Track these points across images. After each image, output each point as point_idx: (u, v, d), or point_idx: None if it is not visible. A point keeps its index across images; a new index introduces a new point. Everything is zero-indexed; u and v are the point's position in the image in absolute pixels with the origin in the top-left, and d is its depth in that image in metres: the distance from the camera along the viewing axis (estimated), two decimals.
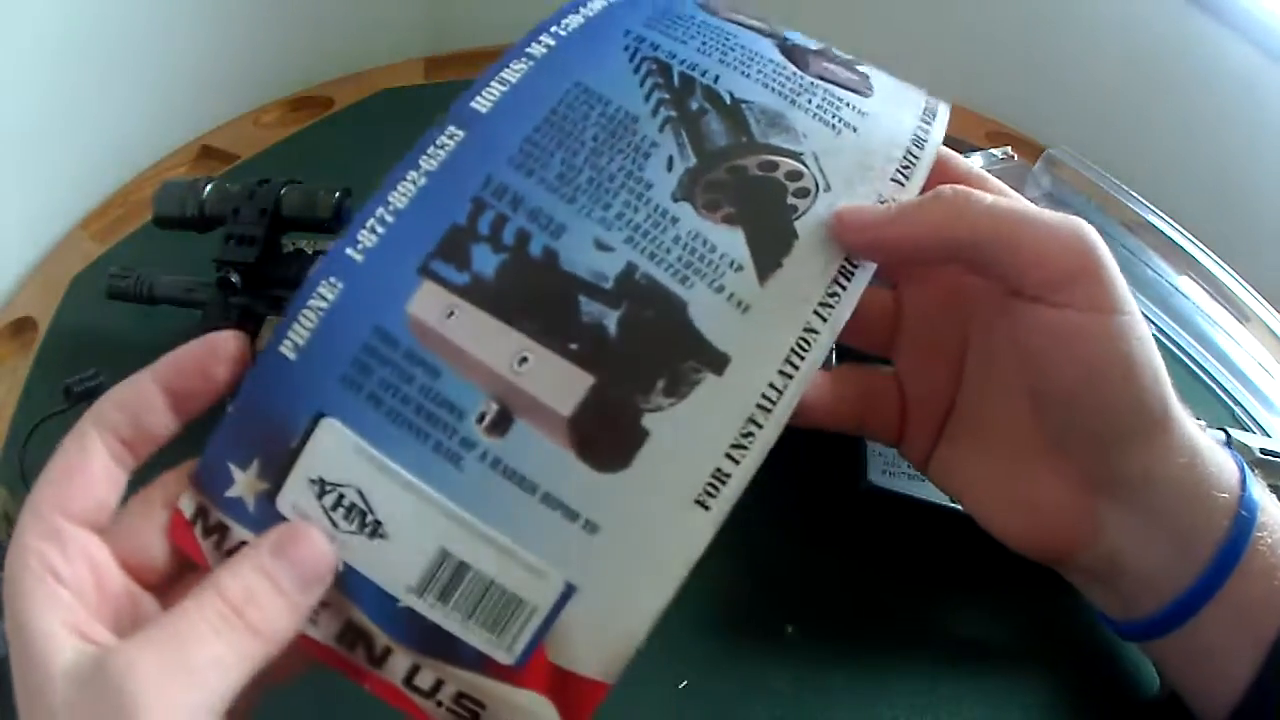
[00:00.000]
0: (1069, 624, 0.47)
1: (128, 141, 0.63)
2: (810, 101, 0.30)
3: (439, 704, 0.25)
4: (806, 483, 0.49)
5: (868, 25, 0.68)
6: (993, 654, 0.45)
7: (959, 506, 0.45)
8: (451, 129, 0.27)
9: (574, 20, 0.30)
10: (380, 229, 0.26)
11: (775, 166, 0.28)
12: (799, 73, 0.31)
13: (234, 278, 0.47)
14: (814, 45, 0.33)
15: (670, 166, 0.28)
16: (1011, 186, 0.30)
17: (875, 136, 0.30)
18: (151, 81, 0.62)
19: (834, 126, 0.30)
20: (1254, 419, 0.57)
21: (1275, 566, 0.28)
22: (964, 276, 0.30)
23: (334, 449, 0.24)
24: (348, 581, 0.24)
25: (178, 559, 0.25)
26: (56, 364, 0.51)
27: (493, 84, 0.28)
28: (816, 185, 0.28)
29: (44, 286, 0.56)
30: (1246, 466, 0.30)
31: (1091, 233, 0.27)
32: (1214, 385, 0.59)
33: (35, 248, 0.58)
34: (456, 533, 0.24)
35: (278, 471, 0.24)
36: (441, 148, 0.27)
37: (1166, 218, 0.60)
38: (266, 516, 0.25)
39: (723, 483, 0.25)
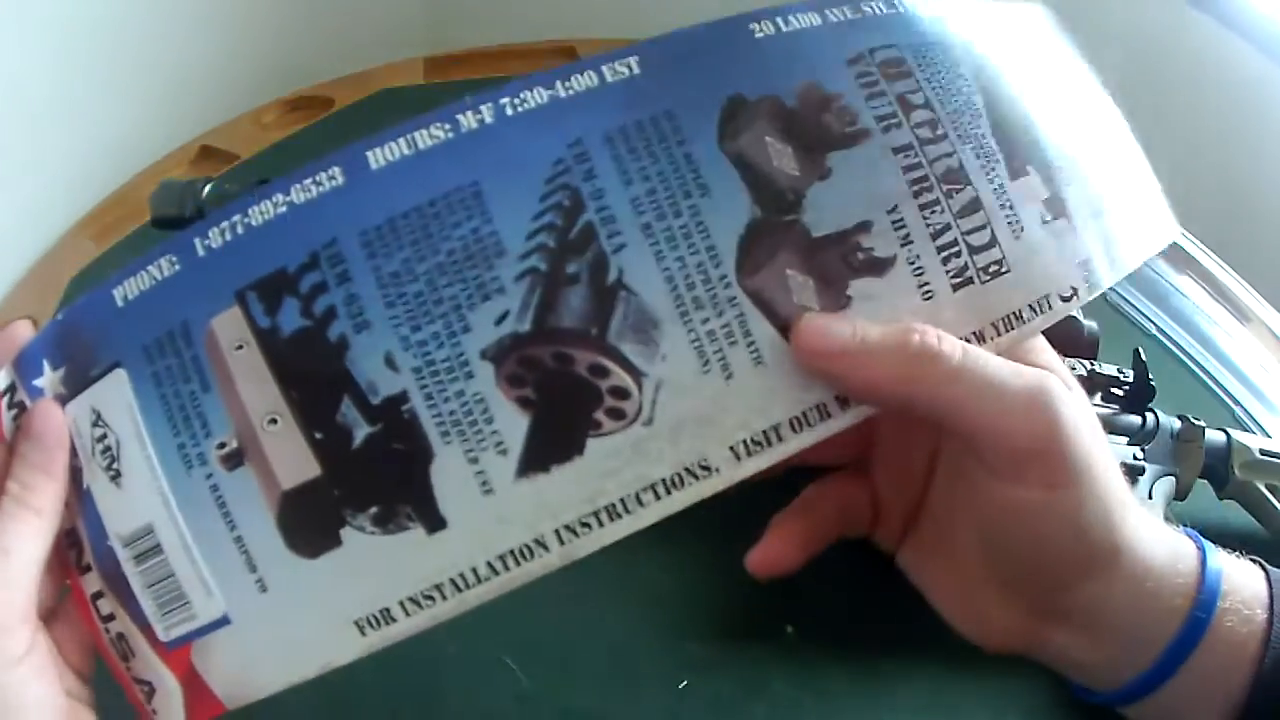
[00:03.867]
0: None
1: (127, 141, 0.63)
2: (705, 322, 0.26)
3: (107, 631, 0.28)
4: (806, 483, 0.49)
5: None
6: (994, 656, 0.45)
7: None
8: (335, 170, 0.26)
9: (533, 98, 0.26)
10: (229, 235, 0.26)
11: (605, 374, 0.26)
12: (728, 277, 0.26)
13: None
14: (845, 223, 0.27)
15: (500, 321, 0.26)
16: None
17: (752, 395, 0.27)
18: (151, 81, 0.62)
19: (707, 362, 0.26)
20: (1254, 419, 0.57)
21: (1237, 644, 0.29)
22: None
23: (115, 397, 0.27)
24: (84, 499, 0.28)
25: None
26: None
27: (400, 142, 0.26)
28: (637, 415, 0.26)
29: (42, 287, 0.56)
30: (1208, 551, 0.30)
31: (1056, 402, 0.27)
32: (1214, 385, 0.59)
33: (34, 248, 0.58)
34: (164, 519, 0.27)
35: (74, 386, 0.28)
36: (317, 184, 0.26)
37: None
38: None
39: (386, 623, 0.26)
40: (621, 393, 0.26)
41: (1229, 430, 0.48)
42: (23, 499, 0.27)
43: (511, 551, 0.26)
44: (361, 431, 0.26)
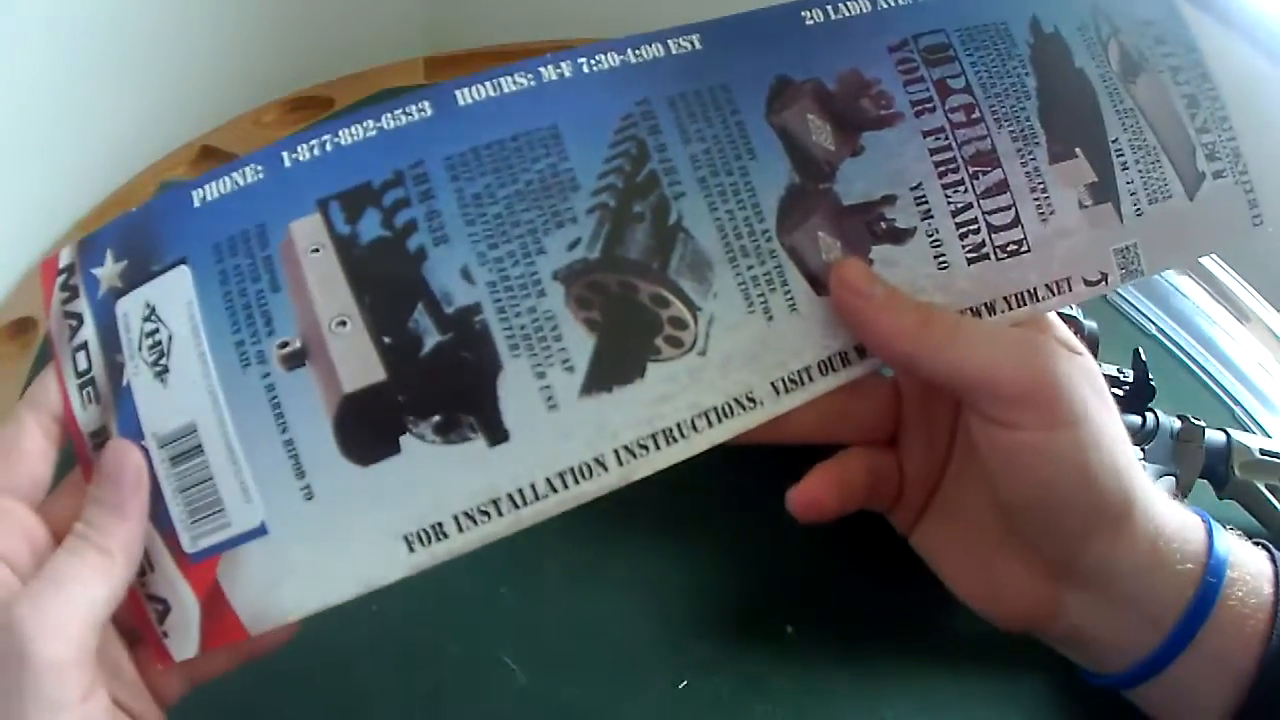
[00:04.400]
0: None
1: (127, 141, 0.63)
2: (750, 269, 0.29)
3: None
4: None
5: None
6: (994, 654, 0.45)
7: None
8: (425, 104, 0.28)
9: (607, 60, 0.29)
10: (318, 151, 0.27)
11: (666, 304, 0.28)
12: (770, 231, 0.29)
13: None
14: (872, 195, 0.30)
15: (572, 247, 0.28)
16: None
17: (789, 337, 0.29)
18: (151, 81, 0.62)
19: (751, 303, 0.29)
20: (1254, 419, 0.57)
21: (1246, 616, 0.29)
22: None
23: (174, 292, 0.27)
24: (120, 395, 0.27)
25: None
26: None
27: (487, 84, 0.28)
28: (693, 344, 0.28)
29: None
30: (1214, 525, 0.30)
31: (1047, 350, 0.28)
32: (1214, 385, 0.59)
33: (34, 248, 0.58)
34: (209, 418, 0.26)
35: (132, 281, 0.28)
36: (406, 114, 0.28)
37: None
38: (106, 309, 0.28)
39: (438, 538, 0.26)
40: (680, 323, 0.28)
41: (1229, 430, 0.48)
42: (87, 536, 0.25)
43: (571, 469, 0.27)
44: (432, 339, 0.27)
